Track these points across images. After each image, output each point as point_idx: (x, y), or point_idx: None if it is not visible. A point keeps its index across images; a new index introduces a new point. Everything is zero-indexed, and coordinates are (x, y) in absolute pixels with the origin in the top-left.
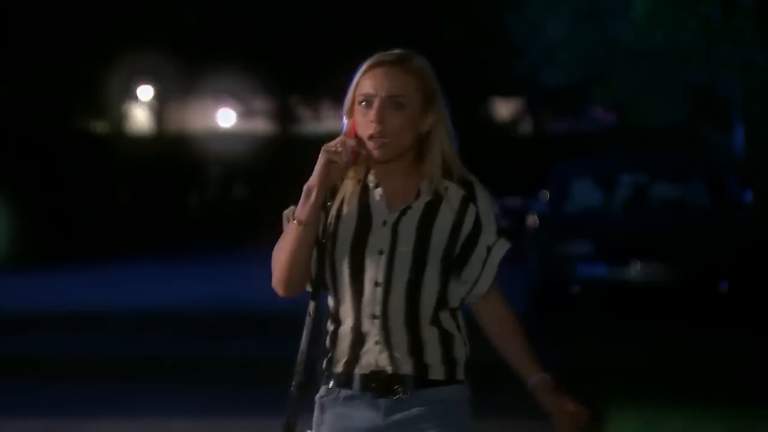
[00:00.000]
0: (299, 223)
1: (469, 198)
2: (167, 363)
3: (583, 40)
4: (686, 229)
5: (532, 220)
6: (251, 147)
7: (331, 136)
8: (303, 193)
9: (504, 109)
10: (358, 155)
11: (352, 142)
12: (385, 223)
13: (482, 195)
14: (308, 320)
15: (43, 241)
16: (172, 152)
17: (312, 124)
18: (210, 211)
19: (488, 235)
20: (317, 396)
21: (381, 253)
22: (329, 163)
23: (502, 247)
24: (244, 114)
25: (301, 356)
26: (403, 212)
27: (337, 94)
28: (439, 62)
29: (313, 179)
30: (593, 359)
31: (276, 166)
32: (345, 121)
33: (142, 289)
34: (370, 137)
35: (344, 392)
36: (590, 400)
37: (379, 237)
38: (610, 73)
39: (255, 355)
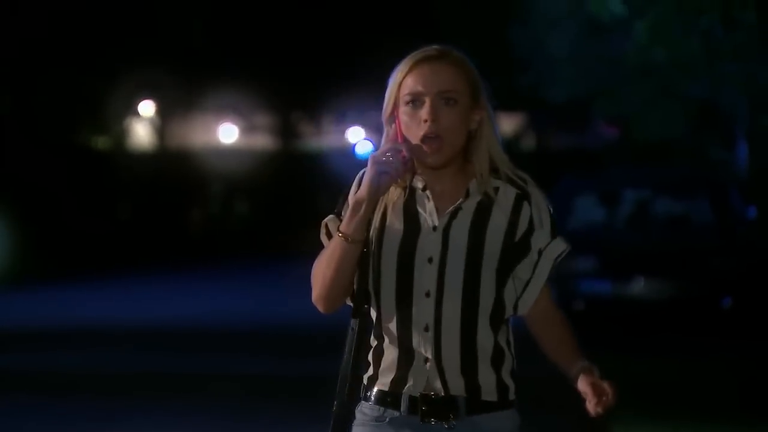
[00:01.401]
0: (346, 238)
1: (522, 196)
2: (169, 379)
3: (586, 56)
4: (690, 245)
5: None
6: (253, 162)
7: (333, 151)
8: (351, 207)
9: (507, 123)
10: (410, 162)
11: (403, 150)
12: (435, 228)
13: (536, 193)
14: (350, 336)
15: (45, 257)
16: (174, 168)
17: (314, 140)
18: (212, 227)
19: (541, 236)
20: (357, 412)
21: (431, 260)
22: (380, 175)
23: (555, 249)
24: (246, 129)
25: (342, 374)
26: (453, 215)
27: (338, 110)
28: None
29: (363, 192)
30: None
31: (278, 182)
32: (385, 128)
33: (144, 304)
34: (424, 138)
35: (389, 412)
36: (594, 417)
37: (429, 243)
38: (613, 88)
39: (258, 371)
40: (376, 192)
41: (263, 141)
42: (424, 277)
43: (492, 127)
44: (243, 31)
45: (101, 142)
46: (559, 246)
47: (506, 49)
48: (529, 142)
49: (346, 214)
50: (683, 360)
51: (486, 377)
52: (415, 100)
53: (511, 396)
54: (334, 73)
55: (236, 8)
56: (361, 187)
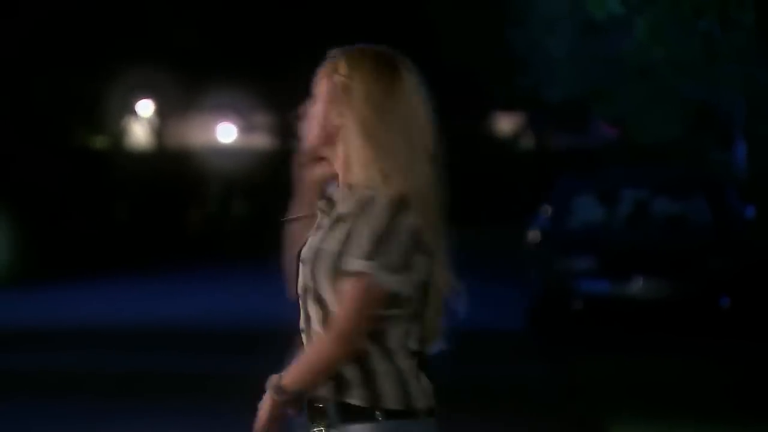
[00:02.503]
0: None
1: (355, 212)
2: (168, 379)
3: (584, 56)
4: (688, 245)
5: (534, 235)
6: (252, 162)
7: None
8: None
9: (505, 123)
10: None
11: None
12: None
13: (370, 212)
14: None
15: (43, 257)
16: (172, 167)
17: None
18: (210, 227)
19: (352, 252)
20: None
21: (303, 261)
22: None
23: (349, 269)
24: (245, 129)
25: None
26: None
27: None
28: (440, 77)
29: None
30: (594, 375)
31: (276, 182)
32: None
33: (142, 304)
34: None
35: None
36: (591, 416)
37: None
38: (611, 88)
39: (255, 372)
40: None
41: (262, 140)
42: (298, 277)
43: (353, 134)
44: (241, 30)
45: (99, 142)
46: (358, 266)
47: (505, 50)
48: (528, 142)
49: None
50: (681, 359)
51: (354, 383)
52: None
53: (388, 404)
54: None
55: (234, 7)
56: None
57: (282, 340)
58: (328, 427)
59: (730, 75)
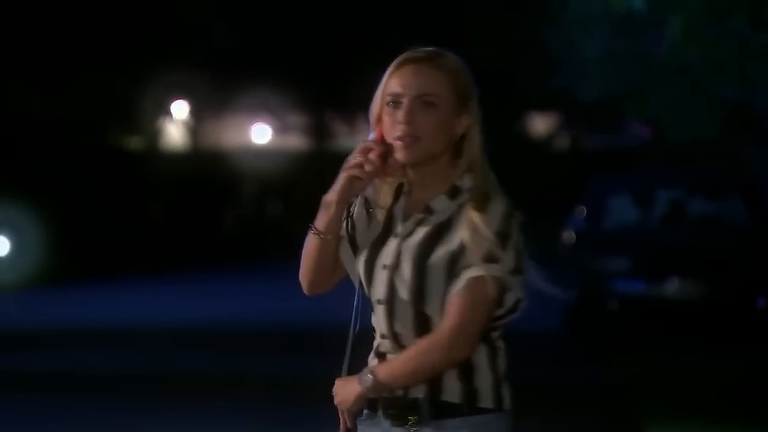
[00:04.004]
0: (316, 232)
1: (480, 213)
2: (202, 380)
3: (619, 56)
4: (723, 245)
5: (569, 236)
6: (286, 163)
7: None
8: (321, 205)
9: (540, 123)
10: (386, 162)
11: (376, 150)
12: (396, 235)
13: (495, 212)
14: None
15: (78, 258)
16: (207, 168)
17: (347, 139)
18: (245, 228)
19: (472, 256)
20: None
21: (385, 267)
22: (351, 179)
23: (469, 275)
24: (279, 129)
25: (349, 343)
26: (417, 225)
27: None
28: (474, 77)
29: (333, 195)
30: (630, 376)
31: (311, 182)
32: (372, 129)
33: (177, 305)
34: (398, 139)
35: (366, 411)
36: (630, 416)
37: (388, 250)
38: (645, 88)
39: (290, 372)
40: (347, 195)
41: (296, 141)
42: (378, 284)
43: (477, 137)
44: (275, 30)
45: (134, 143)
46: (479, 271)
47: (539, 50)
48: (562, 143)
49: (320, 210)
50: (717, 360)
51: (450, 382)
52: (395, 102)
53: (484, 403)
54: (366, 71)
55: (269, 7)
56: (331, 190)
57: (315, 340)
58: (419, 423)
59: (764, 74)
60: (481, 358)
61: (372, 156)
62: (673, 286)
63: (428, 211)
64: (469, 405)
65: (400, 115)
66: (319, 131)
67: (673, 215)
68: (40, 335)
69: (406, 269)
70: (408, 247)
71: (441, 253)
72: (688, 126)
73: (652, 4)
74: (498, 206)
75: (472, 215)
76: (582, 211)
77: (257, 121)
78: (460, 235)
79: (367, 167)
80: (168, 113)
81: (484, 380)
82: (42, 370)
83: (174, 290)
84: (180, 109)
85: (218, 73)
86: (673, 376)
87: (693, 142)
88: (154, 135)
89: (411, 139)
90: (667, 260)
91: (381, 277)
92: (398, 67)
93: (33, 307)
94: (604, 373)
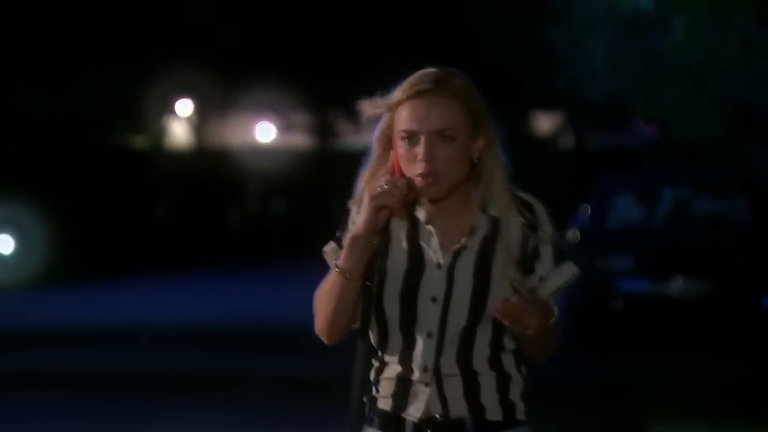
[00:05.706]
0: (344, 274)
1: (528, 225)
2: (205, 379)
3: (624, 54)
4: (728, 244)
5: (573, 234)
6: (291, 162)
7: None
8: (348, 243)
9: (545, 122)
10: (407, 196)
11: (402, 184)
12: (439, 266)
13: (543, 218)
14: (356, 364)
15: (83, 257)
16: (212, 167)
17: (352, 138)
18: (250, 226)
19: (544, 264)
20: None
21: (434, 300)
22: (379, 209)
23: (557, 278)
24: (284, 128)
25: (352, 398)
26: (458, 253)
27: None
28: (478, 75)
29: (361, 229)
30: (634, 375)
31: (316, 181)
32: (375, 149)
33: (181, 304)
34: (420, 176)
35: None
36: (631, 415)
37: (433, 282)
38: (650, 86)
39: (294, 372)
40: (374, 228)
41: (301, 140)
42: (428, 317)
43: (495, 153)
44: (280, 29)
45: (139, 142)
46: (561, 274)
47: (544, 49)
48: (567, 141)
49: (344, 248)
50: (721, 359)
51: (490, 400)
52: (411, 137)
53: (520, 416)
54: (371, 70)
55: (273, 5)
56: (359, 224)
57: (319, 341)
58: None
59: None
60: (513, 366)
61: (399, 183)
62: (677, 285)
63: (471, 232)
64: (509, 421)
65: (420, 152)
66: (323, 130)
67: (677, 214)
68: (43, 333)
69: (461, 300)
70: (459, 277)
71: (499, 278)
72: (693, 125)
73: (659, 3)
74: (538, 207)
75: (516, 223)
76: (586, 209)
77: (262, 120)
78: (512, 247)
79: (394, 195)
80: (173, 112)
81: (515, 389)
82: (45, 368)
83: (178, 289)
84: (185, 107)
85: (223, 71)
86: (677, 374)
87: (698, 141)
88: (158, 134)
89: (434, 177)
90: (671, 259)
91: (431, 311)
92: (408, 99)
93: (37, 306)
94: (608, 371)
